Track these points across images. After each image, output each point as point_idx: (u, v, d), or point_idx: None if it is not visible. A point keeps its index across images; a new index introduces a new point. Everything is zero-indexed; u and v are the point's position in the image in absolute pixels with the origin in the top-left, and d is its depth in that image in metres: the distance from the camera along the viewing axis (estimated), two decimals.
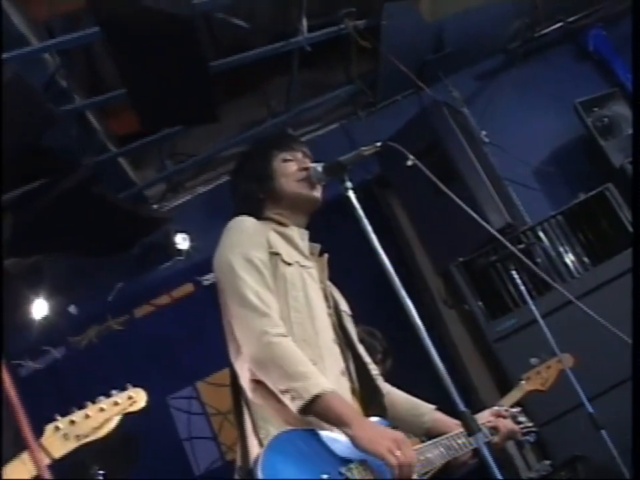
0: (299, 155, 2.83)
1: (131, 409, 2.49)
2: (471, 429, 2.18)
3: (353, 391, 2.60)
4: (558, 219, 5.69)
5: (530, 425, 2.96)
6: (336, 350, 2.60)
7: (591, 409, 3.94)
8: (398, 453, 2.22)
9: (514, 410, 2.94)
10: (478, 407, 5.93)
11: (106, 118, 6.02)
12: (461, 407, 2.20)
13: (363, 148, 2.52)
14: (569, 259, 5.60)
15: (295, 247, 2.70)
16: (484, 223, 2.89)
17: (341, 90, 6.65)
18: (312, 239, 2.84)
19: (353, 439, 2.27)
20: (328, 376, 2.44)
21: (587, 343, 4.61)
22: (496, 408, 2.88)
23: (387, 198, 6.53)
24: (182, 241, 6.58)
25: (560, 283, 5.48)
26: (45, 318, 6.44)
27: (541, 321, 4.25)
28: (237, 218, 2.67)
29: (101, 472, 4.69)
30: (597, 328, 3.62)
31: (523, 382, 3.88)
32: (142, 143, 6.11)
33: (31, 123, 4.51)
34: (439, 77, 6.38)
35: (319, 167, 2.64)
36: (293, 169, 2.78)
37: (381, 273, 2.41)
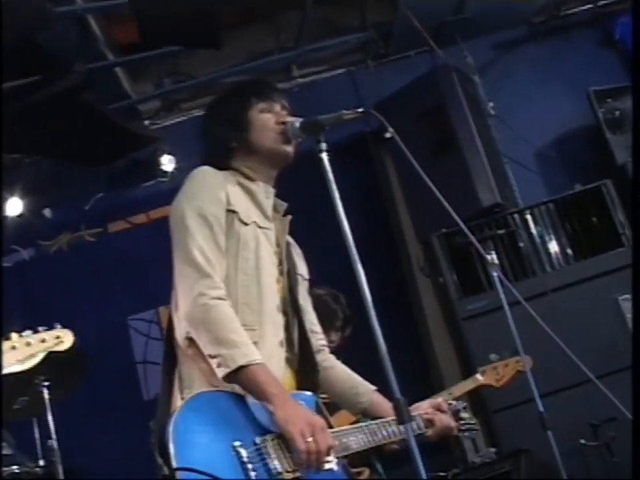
0: (277, 107, 2.73)
1: (57, 348, 2.45)
2: (400, 418, 2.14)
3: (290, 362, 2.56)
4: (549, 207, 5.68)
5: (472, 422, 2.88)
6: (279, 318, 2.56)
7: (541, 408, 3.89)
8: (310, 438, 2.21)
9: (458, 404, 2.85)
10: (437, 382, 5.95)
11: (109, 24, 5.89)
12: (397, 393, 2.15)
13: (345, 111, 2.47)
14: (553, 248, 5.60)
15: (257, 204, 2.64)
16: (452, 211, 2.80)
17: (354, 36, 6.54)
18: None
19: (272, 415, 2.28)
20: (264, 344, 2.43)
21: (551, 339, 4.53)
22: (438, 400, 2.80)
23: (381, 155, 6.48)
24: (168, 163, 6.53)
25: (539, 272, 5.45)
26: (19, 217, 6.40)
27: (507, 309, 4.17)
28: (200, 168, 2.60)
29: (46, 382, 4.61)
30: (565, 325, 3.57)
31: (477, 374, 3.85)
32: (142, 56, 6.00)
33: (26, 19, 4.40)
34: (455, 40, 6.27)
35: (297, 122, 2.56)
36: (270, 122, 2.68)
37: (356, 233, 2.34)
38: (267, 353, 2.39)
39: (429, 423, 2.68)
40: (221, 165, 2.65)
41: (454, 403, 2.87)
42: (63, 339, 2.55)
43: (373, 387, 2.76)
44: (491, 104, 6.17)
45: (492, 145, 6.04)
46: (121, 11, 5.40)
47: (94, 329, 6.18)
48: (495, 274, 4.14)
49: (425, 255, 6.08)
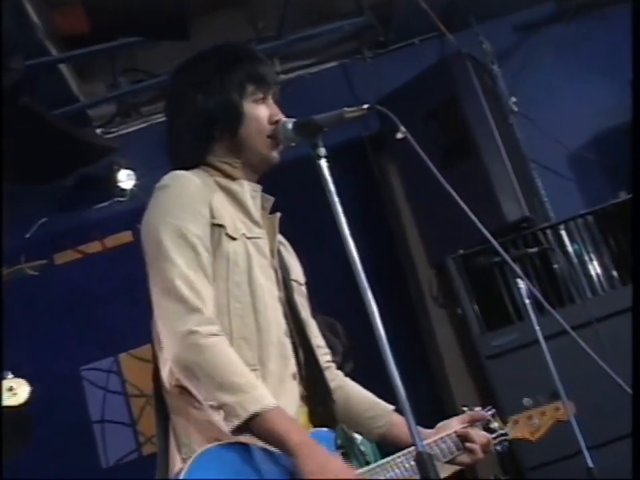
0: (270, 98, 2.70)
1: (9, 403, 2.36)
2: (425, 476, 2.11)
3: (304, 397, 2.57)
4: (587, 220, 5.66)
5: (503, 432, 2.95)
6: (287, 347, 2.56)
7: (590, 463, 3.83)
8: None
9: (487, 412, 2.89)
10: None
11: (51, 10, 5.83)
12: (419, 445, 2.12)
13: (346, 109, 2.44)
14: (594, 270, 5.58)
15: (243, 208, 2.62)
16: (480, 225, 2.71)
17: (347, 21, 6.51)
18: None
19: (295, 466, 2.26)
20: (270, 383, 2.41)
21: (599, 379, 4.48)
22: (468, 413, 2.82)
23: (382, 163, 6.50)
24: (126, 179, 6.50)
25: (578, 299, 5.41)
26: None
27: (543, 344, 4.16)
28: (174, 173, 2.54)
29: None
30: (612, 362, 3.56)
31: (508, 426, 3.79)
32: (92, 51, 5.95)
33: None
34: (469, 23, 6.30)
35: (289, 123, 2.54)
36: (264, 119, 2.65)
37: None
38: (275, 394, 2.37)
39: (463, 439, 2.69)
40: (195, 157, 2.62)
41: (483, 412, 2.88)
42: (17, 390, 2.48)
43: (390, 407, 2.77)
44: (513, 98, 6.16)
45: (516, 148, 6.03)
46: None
47: (39, 381, 6.01)
48: (526, 301, 4.10)
49: (438, 281, 6.08)
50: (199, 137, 2.63)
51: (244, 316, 2.46)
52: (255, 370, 2.39)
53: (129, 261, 6.29)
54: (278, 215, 2.72)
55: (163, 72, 6.44)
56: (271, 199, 2.73)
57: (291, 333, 2.59)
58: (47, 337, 6.38)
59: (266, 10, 6.44)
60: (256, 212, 2.65)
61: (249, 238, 2.56)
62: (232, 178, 2.64)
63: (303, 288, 2.83)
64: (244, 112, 2.64)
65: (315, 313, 2.86)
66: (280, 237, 2.77)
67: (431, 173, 2.60)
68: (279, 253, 2.72)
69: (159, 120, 6.68)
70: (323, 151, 2.39)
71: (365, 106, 2.45)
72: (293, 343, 2.59)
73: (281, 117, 2.65)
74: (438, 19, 6.08)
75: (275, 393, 2.38)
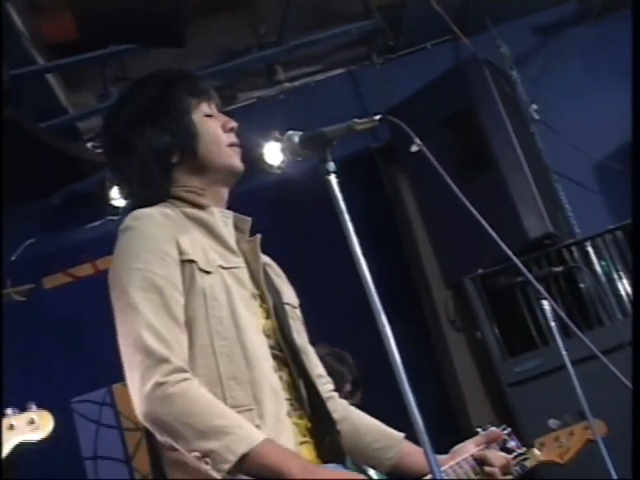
0: (215, 110, 2.76)
1: (31, 437, 2.32)
2: None
3: (308, 430, 2.54)
4: (616, 235, 5.66)
5: (521, 451, 2.93)
6: (280, 379, 2.52)
7: None
8: None
9: (504, 432, 2.86)
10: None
11: (36, 16, 5.82)
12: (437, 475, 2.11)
13: (357, 120, 2.43)
14: (624, 289, 5.56)
15: (216, 237, 2.61)
16: (501, 243, 2.67)
17: (354, 24, 6.52)
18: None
19: None
20: (266, 423, 2.38)
21: (626, 408, 4.48)
22: (482, 433, 2.79)
23: (394, 175, 6.52)
24: (119, 196, 6.42)
25: (607, 320, 5.40)
26: None
27: (571, 370, 4.15)
28: (135, 214, 2.52)
29: None
30: None
31: (535, 449, 3.78)
32: (81, 58, 5.94)
33: None
34: (485, 25, 6.32)
35: (295, 136, 2.52)
36: (219, 130, 2.70)
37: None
38: (274, 431, 2.36)
39: (481, 462, 2.66)
40: (158, 194, 2.61)
41: (499, 431, 2.85)
42: (39, 424, 2.44)
43: (400, 435, 2.75)
44: (534, 106, 6.19)
45: (537, 158, 6.04)
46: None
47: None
48: (552, 324, 4.09)
49: (455, 303, 6.09)
50: (157, 170, 2.62)
51: (231, 353, 2.44)
52: (249, 410, 2.38)
53: None
54: (258, 236, 2.72)
55: None
56: (248, 220, 2.72)
57: (285, 363, 2.56)
58: (35, 367, 6.36)
59: (267, 13, 6.45)
60: (231, 239, 2.64)
61: (225, 268, 2.55)
62: (200, 206, 2.63)
63: (297, 311, 2.82)
64: (197, 129, 2.65)
65: (321, 342, 2.85)
66: (266, 259, 2.78)
67: (446, 186, 2.59)
68: (267, 276, 2.72)
69: None
70: (332, 165, 2.38)
71: (377, 117, 2.46)
72: (290, 374, 2.56)
73: (234, 124, 2.70)
74: (452, 22, 6.10)
75: (274, 432, 2.37)
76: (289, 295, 2.82)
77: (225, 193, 2.71)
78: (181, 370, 2.31)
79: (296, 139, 2.51)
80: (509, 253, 2.72)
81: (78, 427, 6.35)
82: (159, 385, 2.26)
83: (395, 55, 6.71)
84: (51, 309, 6.50)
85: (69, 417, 6.35)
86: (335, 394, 2.86)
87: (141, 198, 2.61)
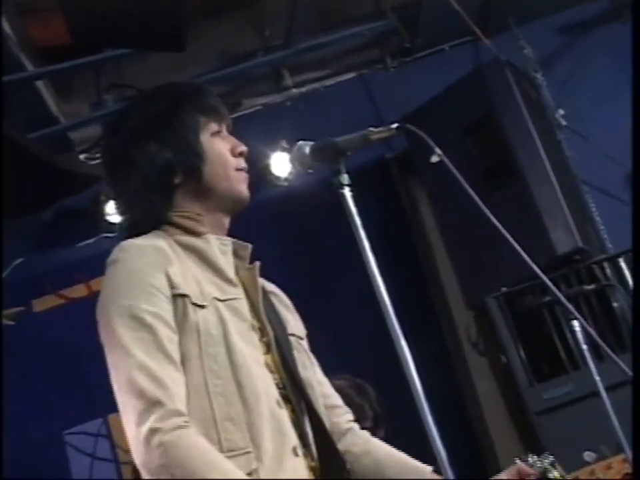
0: (225, 130, 2.75)
1: None
2: None
3: (314, 470, 2.53)
4: None
5: None
6: (281, 419, 2.51)
7: None
8: None
9: (543, 460, 2.80)
10: None
11: (25, 19, 5.88)
12: None
13: (372, 129, 2.46)
14: None
15: (212, 266, 2.59)
16: (527, 259, 2.63)
17: (366, 26, 6.56)
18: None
19: None
20: (266, 465, 2.37)
21: None
22: (517, 465, 2.73)
23: (410, 187, 6.52)
24: (114, 211, 6.41)
25: None
26: None
27: (605, 397, 4.14)
28: (123, 245, 2.53)
29: None
30: None
31: None
32: (73, 64, 5.99)
33: None
34: (507, 25, 6.30)
35: (306, 147, 2.55)
36: (227, 152, 2.68)
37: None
38: (273, 474, 2.35)
39: None
40: (155, 217, 2.61)
41: (535, 458, 2.79)
42: None
43: (428, 468, 2.73)
44: (561, 111, 6.19)
45: (565, 168, 6.02)
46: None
47: (14, 448, 6.06)
48: (583, 347, 4.07)
49: (478, 324, 6.06)
50: (156, 188, 2.61)
51: (226, 393, 2.43)
52: (247, 453, 2.37)
53: None
54: (257, 264, 2.71)
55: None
56: (248, 247, 2.72)
57: (289, 400, 2.55)
58: (24, 396, 6.33)
59: (273, 14, 6.49)
60: (229, 269, 2.62)
61: (221, 301, 2.54)
62: (195, 234, 2.62)
63: (304, 342, 2.81)
64: (203, 148, 2.64)
65: (340, 373, 2.83)
66: (271, 287, 2.80)
67: (467, 198, 2.58)
68: (271, 305, 2.72)
69: None
70: (346, 178, 2.40)
71: (394, 125, 2.47)
72: (293, 411, 2.55)
73: (244, 147, 2.68)
74: (472, 21, 6.10)
75: (274, 474, 2.37)
76: (294, 325, 2.81)
77: (225, 220, 2.70)
78: (177, 413, 2.31)
79: (307, 150, 2.55)
80: (536, 269, 2.69)
81: (71, 460, 6.33)
82: (153, 431, 2.26)
83: (410, 58, 6.73)
84: (42, 333, 6.47)
85: (62, 450, 6.34)
86: (355, 425, 2.86)
87: (136, 214, 2.60)
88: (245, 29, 6.56)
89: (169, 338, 2.40)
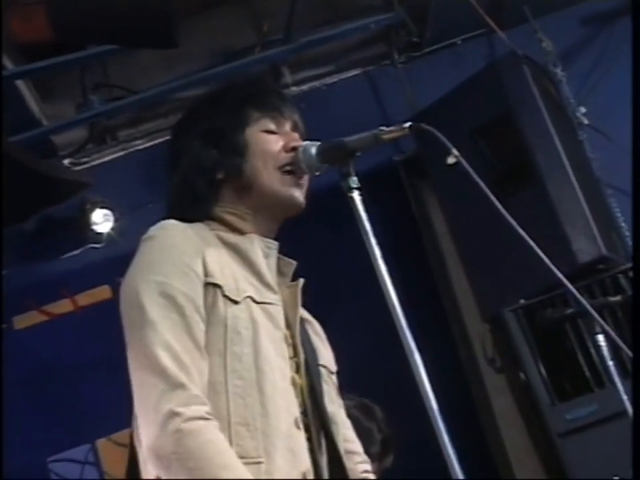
0: (287, 126, 2.74)
1: None
2: None
3: None
4: None
5: None
6: (299, 440, 2.51)
7: None
8: None
9: None
10: None
11: (4, 15, 5.79)
12: None
13: (383, 128, 2.49)
14: None
15: (252, 267, 2.61)
16: (552, 266, 2.64)
17: (372, 19, 6.55)
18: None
19: None
20: None
21: None
22: None
23: (420, 192, 6.55)
24: (102, 220, 6.52)
25: None
26: None
27: (633, 415, 4.08)
28: (162, 223, 2.57)
29: None
30: None
31: None
32: (56, 62, 5.97)
33: None
34: (524, 16, 6.29)
35: (312, 147, 2.58)
36: (275, 147, 2.68)
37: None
38: None
39: None
40: (198, 210, 2.64)
41: None
42: None
43: None
44: (583, 109, 6.20)
45: (587, 170, 6.03)
46: None
47: None
48: (609, 363, 4.07)
49: (494, 339, 6.05)
50: (200, 185, 2.66)
51: (246, 396, 2.44)
52: (258, 463, 2.37)
53: (106, 323, 6.22)
54: (301, 281, 2.73)
55: (144, 87, 6.51)
56: (292, 264, 2.74)
57: (307, 427, 2.56)
58: (5, 420, 6.25)
59: (272, 8, 6.48)
60: (269, 274, 2.63)
61: (257, 303, 2.55)
62: (240, 232, 2.64)
63: (334, 377, 2.82)
64: (247, 141, 2.67)
65: (345, 392, 2.83)
66: (306, 315, 2.79)
67: (481, 203, 2.59)
68: (305, 332, 2.72)
69: (140, 147, 6.75)
70: (355, 181, 2.43)
71: (407, 124, 2.48)
72: (309, 439, 2.55)
73: (297, 142, 2.67)
74: (486, 13, 6.11)
75: None
76: (327, 357, 2.82)
77: (273, 224, 2.71)
78: (200, 402, 2.33)
79: (313, 151, 2.57)
80: (561, 277, 2.68)
81: None
82: (173, 415, 2.28)
83: (420, 53, 6.75)
84: (24, 352, 6.47)
85: (46, 478, 6.34)
86: (370, 476, 2.85)
87: (178, 210, 2.63)
88: (240, 23, 6.55)
89: (198, 324, 2.42)
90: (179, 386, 2.32)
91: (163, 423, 2.28)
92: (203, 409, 2.32)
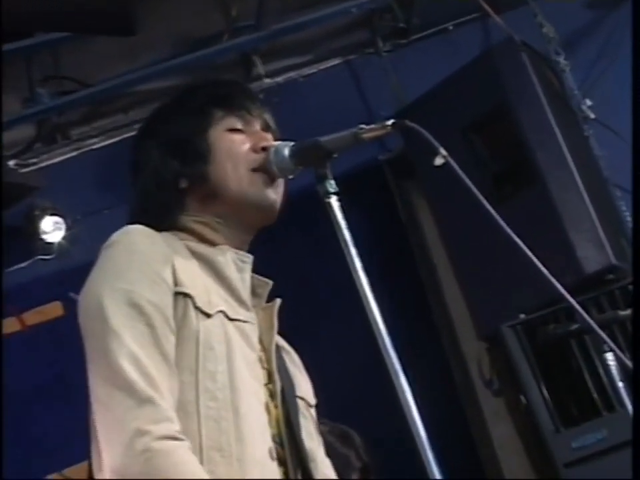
0: (257, 126, 2.75)
1: None
2: None
3: None
4: None
5: None
6: (273, 470, 2.51)
7: None
8: None
9: None
10: None
11: None
12: None
13: (363, 126, 2.49)
14: None
15: (225, 282, 2.60)
16: (553, 280, 2.62)
17: (354, 3, 6.50)
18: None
19: None
20: None
21: None
22: None
23: (408, 194, 6.58)
24: (52, 228, 6.52)
25: None
26: None
27: None
28: (127, 228, 2.58)
29: None
30: None
31: None
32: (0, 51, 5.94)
33: None
34: None
35: (285, 148, 2.58)
36: (242, 147, 2.68)
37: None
38: None
39: None
40: (164, 219, 2.64)
41: None
42: None
43: None
44: (588, 101, 6.22)
45: (593, 170, 6.06)
46: None
47: None
48: (619, 385, 4.08)
49: (491, 358, 6.06)
50: (161, 194, 2.66)
51: (220, 419, 2.43)
52: None
53: (58, 344, 6.31)
54: (277, 302, 2.73)
55: (100, 80, 6.49)
56: (268, 284, 2.74)
57: (281, 459, 2.55)
58: None
59: None
60: (244, 290, 2.63)
61: (231, 320, 2.54)
62: (210, 243, 2.64)
63: (313, 411, 2.82)
64: (212, 144, 2.67)
65: (321, 419, 2.84)
66: (283, 343, 2.80)
67: (476, 208, 2.58)
68: (281, 359, 2.72)
69: (95, 146, 6.73)
70: (333, 185, 2.43)
71: (389, 122, 2.47)
72: (285, 472, 2.54)
73: (268, 142, 2.67)
74: None
75: None
76: (305, 388, 2.82)
77: (246, 234, 2.72)
78: (169, 419, 2.32)
79: (286, 152, 2.57)
80: (562, 290, 2.68)
81: None
82: (141, 433, 2.27)
83: (407, 40, 6.78)
84: None
85: None
86: None
87: (143, 218, 2.62)
88: (208, 8, 6.47)
89: (167, 337, 2.42)
90: (147, 401, 2.31)
91: (130, 442, 2.27)
92: (174, 428, 2.31)
